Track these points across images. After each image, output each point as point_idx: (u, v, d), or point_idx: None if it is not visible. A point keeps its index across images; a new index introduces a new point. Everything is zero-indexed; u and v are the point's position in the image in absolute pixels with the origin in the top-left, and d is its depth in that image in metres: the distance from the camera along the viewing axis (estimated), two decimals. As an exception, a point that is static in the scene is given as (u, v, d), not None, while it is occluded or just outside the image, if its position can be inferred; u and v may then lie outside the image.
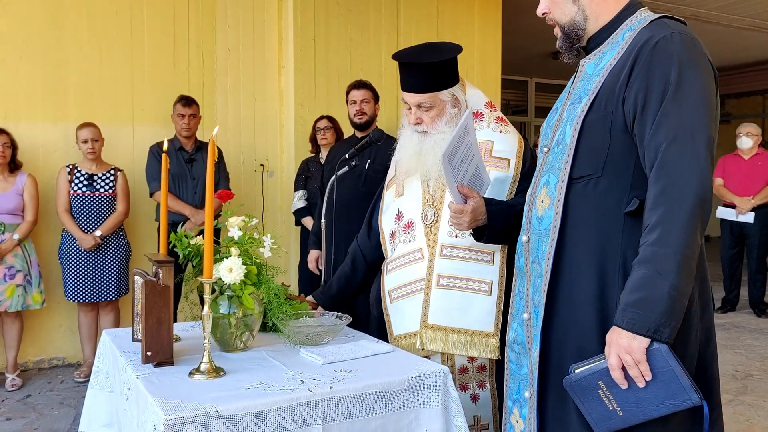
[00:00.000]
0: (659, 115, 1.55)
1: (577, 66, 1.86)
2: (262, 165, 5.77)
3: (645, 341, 1.49)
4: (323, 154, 4.96)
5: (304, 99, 5.72)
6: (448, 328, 2.27)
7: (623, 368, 1.53)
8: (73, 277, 4.60)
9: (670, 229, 1.49)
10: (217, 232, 2.88)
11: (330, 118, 5.09)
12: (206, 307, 1.84)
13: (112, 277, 4.65)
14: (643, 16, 1.72)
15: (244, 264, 2.03)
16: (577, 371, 1.61)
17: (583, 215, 1.69)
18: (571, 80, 1.87)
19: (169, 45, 5.40)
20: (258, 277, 2.09)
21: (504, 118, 2.43)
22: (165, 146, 2.33)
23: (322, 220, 3.13)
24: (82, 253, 4.58)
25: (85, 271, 4.60)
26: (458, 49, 2.34)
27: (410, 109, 2.34)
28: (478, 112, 2.39)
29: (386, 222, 2.51)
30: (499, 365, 2.28)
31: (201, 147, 4.96)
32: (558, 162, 1.75)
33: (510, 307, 1.96)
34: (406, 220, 2.42)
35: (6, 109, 4.87)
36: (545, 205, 1.77)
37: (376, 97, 4.23)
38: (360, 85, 4.20)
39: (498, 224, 2.14)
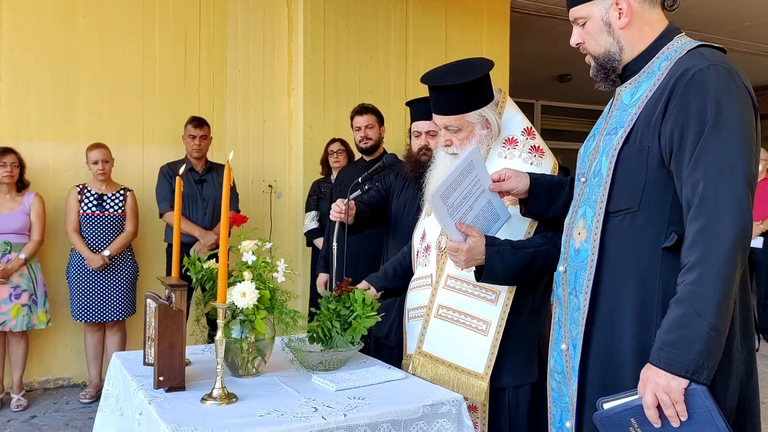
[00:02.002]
0: (697, 152, 1.53)
1: (613, 93, 1.83)
2: (270, 186, 5.77)
3: (684, 382, 1.46)
4: (334, 176, 4.97)
5: (313, 120, 5.74)
6: (440, 360, 2.22)
7: (658, 407, 1.51)
8: (80, 296, 4.59)
9: (709, 268, 1.46)
10: (227, 254, 2.87)
11: (342, 141, 5.13)
12: (219, 332, 1.83)
13: (120, 297, 4.64)
14: (680, 44, 1.69)
15: (257, 288, 2.02)
16: (605, 406, 1.59)
17: (620, 250, 1.66)
18: (608, 107, 1.84)
19: (180, 66, 5.43)
20: (271, 301, 2.07)
21: (541, 147, 2.28)
22: (181, 170, 2.33)
23: (334, 244, 3.11)
24: (90, 272, 4.57)
25: (93, 290, 4.59)
26: (485, 68, 2.22)
27: (440, 130, 2.29)
28: (512, 138, 2.26)
29: (415, 239, 2.49)
30: (498, 405, 2.21)
31: (211, 168, 4.97)
32: (594, 194, 1.73)
33: (550, 335, 1.93)
34: (426, 242, 2.40)
35: (17, 128, 4.90)
36: (582, 237, 1.75)
37: (380, 120, 4.22)
38: (363, 110, 4.19)
39: (498, 265, 2.04)
